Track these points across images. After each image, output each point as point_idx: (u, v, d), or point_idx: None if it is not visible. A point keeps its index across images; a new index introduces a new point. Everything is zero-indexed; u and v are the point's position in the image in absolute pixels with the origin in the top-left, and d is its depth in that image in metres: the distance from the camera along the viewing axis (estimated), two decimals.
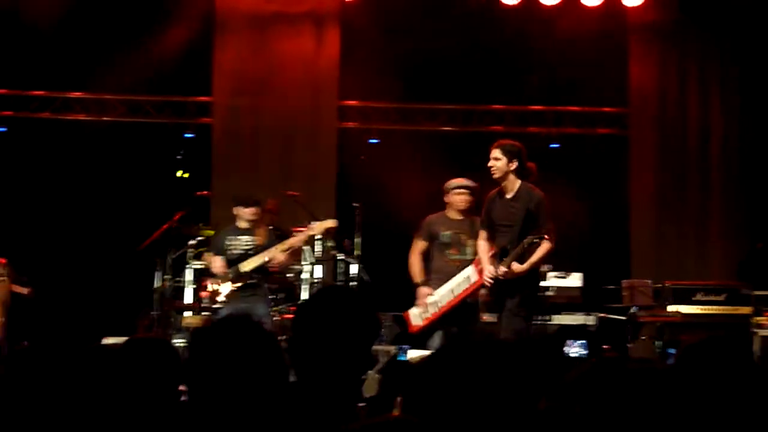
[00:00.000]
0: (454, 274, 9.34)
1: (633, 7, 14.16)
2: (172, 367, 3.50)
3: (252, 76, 14.41)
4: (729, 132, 14.42)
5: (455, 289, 9.32)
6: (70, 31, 13.91)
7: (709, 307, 11.57)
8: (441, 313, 9.41)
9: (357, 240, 11.28)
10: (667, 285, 11.75)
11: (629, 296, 11.40)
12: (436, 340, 9.41)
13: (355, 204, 10.62)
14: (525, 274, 8.51)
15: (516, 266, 8.45)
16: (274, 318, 10.74)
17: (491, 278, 8.54)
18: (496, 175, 8.61)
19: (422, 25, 13.98)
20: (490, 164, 8.61)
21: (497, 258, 8.58)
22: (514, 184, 8.62)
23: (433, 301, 9.39)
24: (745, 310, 11.32)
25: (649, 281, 11.79)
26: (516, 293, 8.50)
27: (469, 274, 9.21)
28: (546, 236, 8.38)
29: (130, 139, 14.63)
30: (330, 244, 12.32)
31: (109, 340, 10.20)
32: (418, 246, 9.75)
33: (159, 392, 3.24)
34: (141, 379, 3.36)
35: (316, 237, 10.30)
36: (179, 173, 14.46)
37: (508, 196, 8.63)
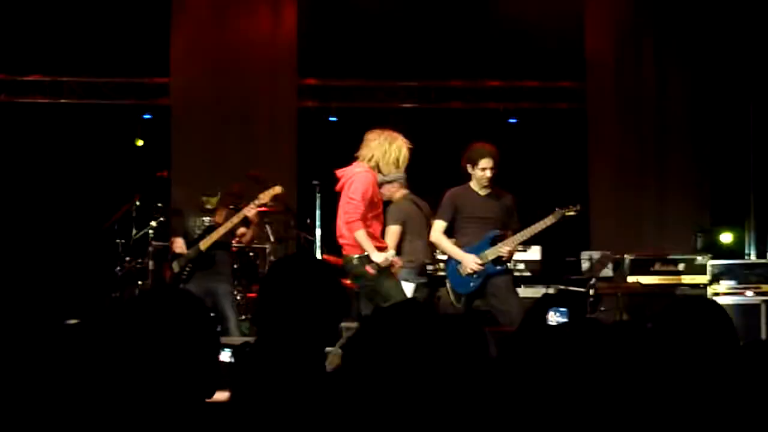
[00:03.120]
0: None
1: None
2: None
3: (209, 56, 14.38)
4: (686, 104, 14.51)
5: None
6: (24, 13, 13.84)
7: (668, 277, 11.70)
8: None
9: (318, 218, 11.31)
10: (626, 256, 11.86)
11: (589, 268, 11.50)
12: None
13: (315, 182, 10.65)
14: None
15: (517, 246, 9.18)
16: (237, 296, 10.79)
17: (479, 264, 8.89)
18: (485, 183, 9.04)
19: (378, 1, 14.01)
20: (488, 175, 8.97)
21: (485, 244, 8.95)
22: (490, 185, 9.07)
23: None
24: (703, 279, 11.47)
25: (609, 252, 11.90)
26: (508, 273, 9.12)
27: None
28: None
29: (89, 122, 14.57)
30: (292, 222, 12.37)
31: (72, 322, 10.19)
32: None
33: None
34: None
35: (267, 204, 10.34)
36: (138, 142, 14.42)
37: (483, 193, 9.06)
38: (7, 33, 13.90)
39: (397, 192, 9.89)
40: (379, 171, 8.56)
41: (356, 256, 8.34)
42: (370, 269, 8.29)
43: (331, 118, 14.81)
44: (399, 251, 9.48)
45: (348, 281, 8.46)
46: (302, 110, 14.75)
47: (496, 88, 14.99)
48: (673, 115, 14.52)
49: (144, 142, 14.50)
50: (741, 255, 13.33)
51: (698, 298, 3.57)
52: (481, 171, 8.91)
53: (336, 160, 10.77)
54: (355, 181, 8.41)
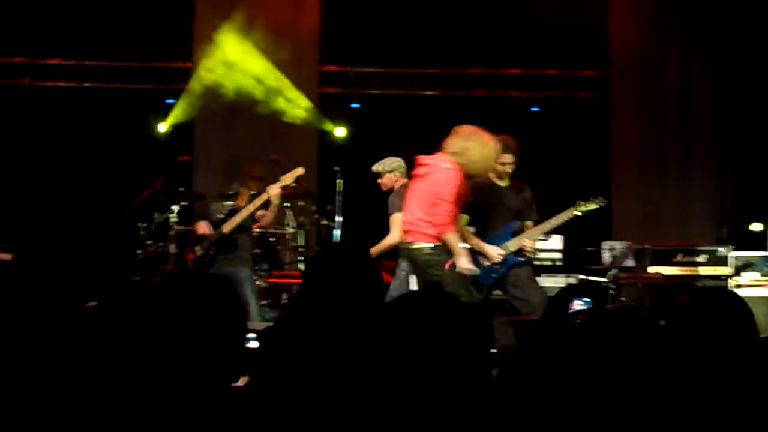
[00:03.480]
0: None
1: None
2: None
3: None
4: (709, 95, 14.47)
5: None
6: None
7: (690, 268, 11.66)
8: None
9: (338, 204, 11.33)
10: (647, 246, 11.82)
11: (610, 258, 11.47)
12: None
13: (336, 168, 10.67)
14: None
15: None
16: (257, 282, 10.79)
17: (501, 255, 8.87)
18: (506, 177, 9.00)
19: None
20: (508, 170, 8.93)
21: (506, 235, 8.94)
22: (509, 177, 9.04)
23: None
24: (725, 270, 11.43)
25: (630, 243, 11.86)
26: (529, 264, 9.11)
27: None
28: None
29: (112, 106, 14.62)
30: (312, 208, 12.38)
31: (92, 305, 10.22)
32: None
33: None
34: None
35: (290, 185, 10.34)
36: (163, 129, 14.46)
37: (503, 184, 9.01)
38: (31, 17, 13.94)
39: (398, 181, 9.96)
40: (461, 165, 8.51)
41: (431, 245, 8.35)
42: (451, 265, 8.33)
43: (353, 105, 14.83)
44: None
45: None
46: (324, 96, 14.75)
47: (519, 76, 14.98)
48: (695, 105, 14.47)
49: (169, 128, 14.53)
50: (763, 246, 13.29)
51: (718, 289, 3.61)
52: (501, 165, 8.91)
53: (357, 147, 10.82)
54: (446, 181, 8.31)
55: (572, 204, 9.09)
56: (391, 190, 10.01)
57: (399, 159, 10.10)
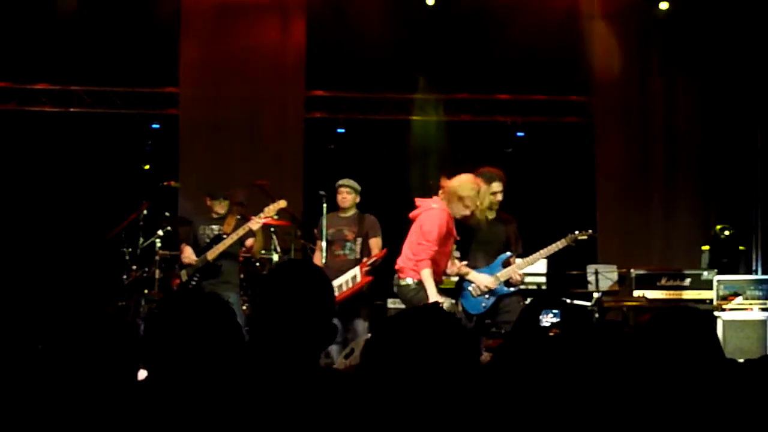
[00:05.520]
0: (341, 270, 10.12)
1: None
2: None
3: (218, 66, 14.40)
4: (693, 119, 14.52)
5: (342, 286, 10.06)
6: (34, 21, 13.88)
7: (674, 291, 11.72)
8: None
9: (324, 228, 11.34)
10: (631, 270, 11.87)
11: (594, 281, 11.50)
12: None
13: (321, 192, 10.69)
14: None
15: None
16: (244, 308, 10.78)
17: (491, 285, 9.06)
18: (496, 207, 9.16)
19: (388, 14, 14.01)
20: (499, 199, 9.13)
21: (497, 266, 9.14)
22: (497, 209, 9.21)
23: None
24: (709, 294, 11.46)
25: (615, 266, 11.89)
26: (518, 294, 9.29)
27: (355, 273, 10.09)
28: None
29: (97, 131, 14.61)
30: (298, 232, 12.38)
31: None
32: (317, 246, 10.65)
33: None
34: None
35: (273, 216, 10.48)
36: (146, 167, 14.47)
37: (491, 216, 9.17)
38: (16, 42, 13.94)
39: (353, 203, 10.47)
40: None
41: (416, 281, 8.69)
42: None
43: (338, 130, 14.84)
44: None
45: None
46: (310, 121, 14.77)
47: (505, 101, 15.01)
48: (679, 130, 14.52)
49: (149, 166, 14.54)
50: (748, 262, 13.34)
51: (682, 308, 3.63)
52: (493, 195, 9.04)
53: (343, 171, 10.85)
54: (430, 219, 8.71)
55: (560, 230, 9.19)
56: (340, 209, 10.47)
57: None
